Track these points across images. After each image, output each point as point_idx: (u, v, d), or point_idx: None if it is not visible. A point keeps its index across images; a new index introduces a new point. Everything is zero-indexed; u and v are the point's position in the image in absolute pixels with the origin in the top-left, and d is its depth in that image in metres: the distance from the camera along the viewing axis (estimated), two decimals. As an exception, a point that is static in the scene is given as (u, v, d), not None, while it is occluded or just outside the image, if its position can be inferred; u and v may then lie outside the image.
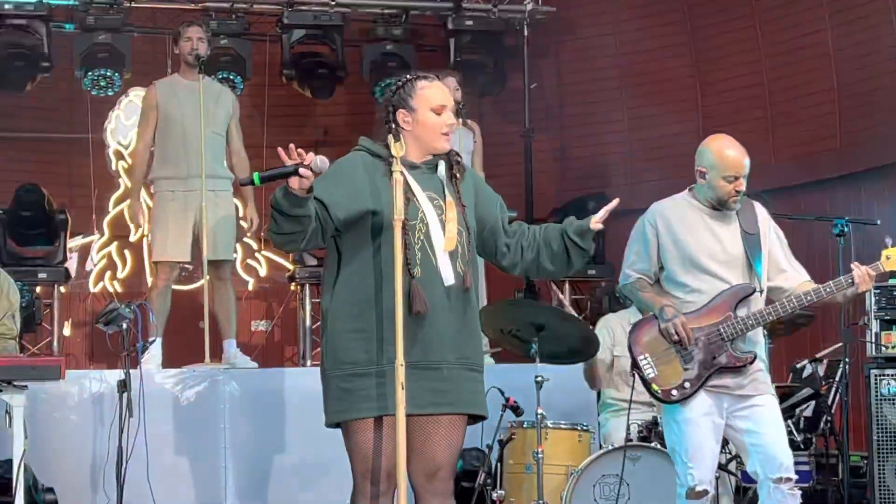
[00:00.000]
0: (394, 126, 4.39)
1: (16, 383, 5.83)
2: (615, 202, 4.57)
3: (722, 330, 5.31)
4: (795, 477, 5.31)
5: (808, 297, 5.34)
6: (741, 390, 5.33)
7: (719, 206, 5.41)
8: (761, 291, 5.38)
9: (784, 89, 9.98)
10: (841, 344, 6.82)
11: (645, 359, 5.42)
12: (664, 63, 10.46)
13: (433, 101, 4.42)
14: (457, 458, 4.46)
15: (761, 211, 5.53)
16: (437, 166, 4.47)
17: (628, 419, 6.11)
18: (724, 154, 5.37)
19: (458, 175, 4.47)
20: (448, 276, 4.32)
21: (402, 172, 4.30)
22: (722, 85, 10.35)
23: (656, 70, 10.49)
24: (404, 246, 4.26)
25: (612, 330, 7.11)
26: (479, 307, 4.55)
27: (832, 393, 7.21)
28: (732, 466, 6.37)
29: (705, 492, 5.31)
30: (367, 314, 4.32)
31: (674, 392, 5.35)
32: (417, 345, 4.28)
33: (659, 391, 5.40)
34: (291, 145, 4.18)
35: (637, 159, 10.56)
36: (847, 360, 6.69)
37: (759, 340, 5.47)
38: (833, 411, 7.18)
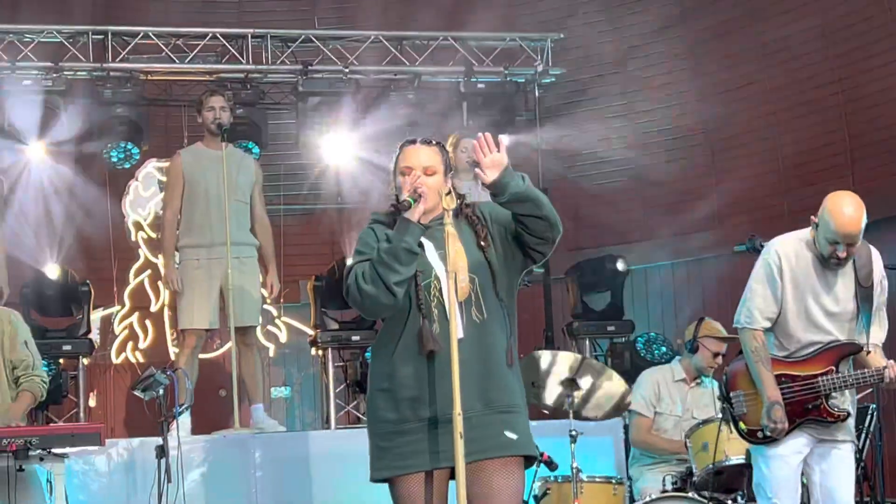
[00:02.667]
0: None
1: (56, 451, 5.85)
2: (495, 141, 4.27)
3: (821, 382, 5.33)
4: None
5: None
6: (828, 435, 5.40)
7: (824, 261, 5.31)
8: (868, 352, 5.34)
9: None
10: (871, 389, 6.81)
11: (738, 395, 5.48)
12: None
13: (400, 164, 4.47)
14: (518, 498, 4.43)
15: (877, 260, 5.41)
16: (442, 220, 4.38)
17: None
18: (835, 215, 5.16)
19: (474, 218, 4.42)
20: (458, 330, 4.27)
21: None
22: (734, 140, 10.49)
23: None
24: (419, 304, 4.29)
25: (657, 386, 7.10)
26: (511, 345, 4.44)
27: (863, 438, 7.19)
28: None
29: None
30: (393, 375, 4.35)
31: (759, 433, 5.41)
32: (444, 398, 4.23)
33: (745, 429, 5.47)
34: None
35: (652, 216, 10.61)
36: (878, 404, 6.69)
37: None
38: (864, 457, 7.17)
